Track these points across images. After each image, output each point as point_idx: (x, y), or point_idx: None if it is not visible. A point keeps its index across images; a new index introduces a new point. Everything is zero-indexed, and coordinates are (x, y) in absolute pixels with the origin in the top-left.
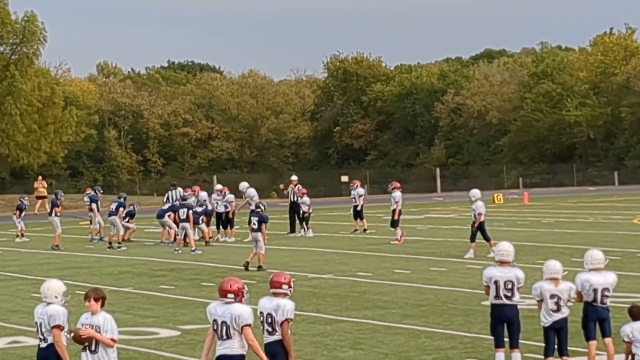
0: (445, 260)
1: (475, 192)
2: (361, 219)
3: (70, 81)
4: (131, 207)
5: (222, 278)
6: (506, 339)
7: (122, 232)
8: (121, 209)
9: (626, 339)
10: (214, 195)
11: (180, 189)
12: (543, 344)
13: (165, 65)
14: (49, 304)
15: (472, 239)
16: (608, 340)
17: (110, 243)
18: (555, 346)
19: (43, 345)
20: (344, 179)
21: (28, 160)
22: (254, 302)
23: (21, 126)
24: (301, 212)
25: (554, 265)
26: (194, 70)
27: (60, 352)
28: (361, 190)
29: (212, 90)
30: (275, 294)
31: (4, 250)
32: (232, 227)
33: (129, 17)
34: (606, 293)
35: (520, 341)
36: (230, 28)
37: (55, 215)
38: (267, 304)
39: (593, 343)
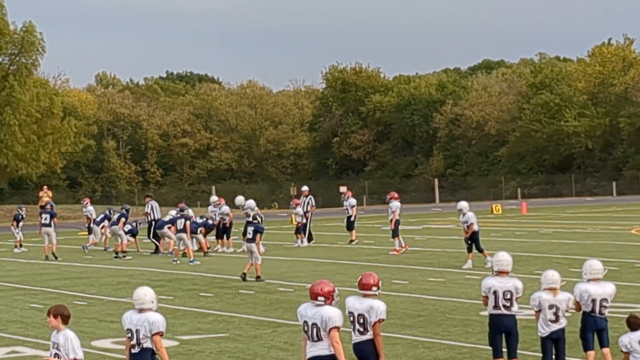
0: (443, 270)
1: (465, 204)
2: (350, 230)
3: (68, 92)
4: (134, 224)
5: (220, 288)
6: (504, 349)
7: (125, 241)
8: (123, 219)
9: (624, 350)
10: (210, 207)
11: (154, 202)
12: (541, 355)
13: (164, 75)
14: (142, 310)
15: (469, 249)
16: (606, 350)
17: (116, 253)
18: (553, 356)
19: (136, 350)
20: (343, 189)
21: (27, 170)
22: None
23: (20, 137)
24: (295, 222)
25: (552, 276)
26: (193, 80)
27: (163, 357)
28: (353, 201)
29: (210, 100)
30: (365, 295)
31: (2, 261)
32: (228, 237)
33: (127, 27)
34: (605, 303)
35: (518, 351)
36: (228, 39)
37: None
38: (357, 304)
39: (591, 353)
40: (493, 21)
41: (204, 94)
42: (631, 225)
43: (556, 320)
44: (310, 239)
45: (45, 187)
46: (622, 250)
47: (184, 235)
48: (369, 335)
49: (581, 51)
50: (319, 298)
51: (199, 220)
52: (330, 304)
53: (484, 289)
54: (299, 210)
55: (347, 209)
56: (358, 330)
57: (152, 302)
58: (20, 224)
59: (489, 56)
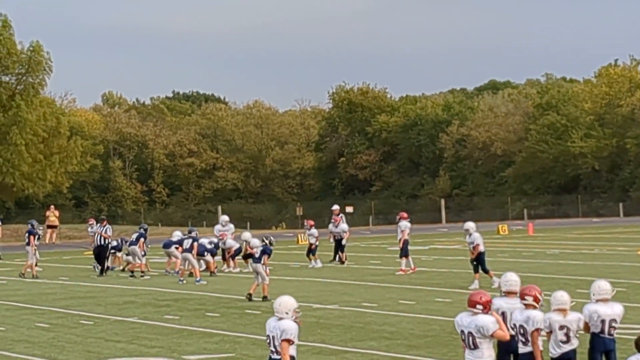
0: (450, 291)
1: (472, 225)
2: (336, 251)
3: (75, 111)
4: (119, 240)
5: (227, 308)
6: None
7: (143, 261)
8: (142, 239)
9: None
10: (217, 227)
11: (109, 226)
12: None
13: (170, 95)
14: (280, 318)
15: (476, 270)
16: None
17: (132, 272)
18: None
19: (275, 357)
20: (349, 209)
21: (33, 190)
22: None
23: (26, 156)
24: (309, 243)
25: (562, 296)
26: (199, 100)
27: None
28: (345, 226)
29: (217, 120)
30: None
31: (8, 280)
32: (234, 258)
33: (134, 47)
34: (614, 324)
35: None
36: (235, 59)
37: (27, 244)
38: (518, 315)
39: None
40: (499, 42)
41: (210, 113)
42: (638, 247)
43: (567, 341)
44: (334, 258)
45: (52, 206)
46: (629, 271)
47: (189, 255)
48: (529, 347)
49: (588, 72)
50: (477, 306)
51: (208, 246)
52: (487, 313)
53: (492, 310)
54: (314, 231)
55: (339, 233)
56: (521, 341)
57: (287, 312)
58: (37, 242)
59: (495, 77)
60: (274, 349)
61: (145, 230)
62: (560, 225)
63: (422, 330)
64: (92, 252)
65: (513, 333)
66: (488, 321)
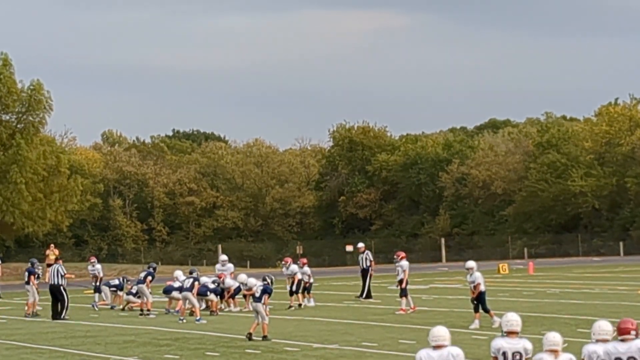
0: (450, 330)
1: (473, 264)
2: (296, 293)
3: (75, 150)
4: (121, 279)
5: (227, 348)
6: None
7: (151, 299)
8: (149, 277)
9: None
10: (217, 266)
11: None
12: None
13: (171, 134)
14: (440, 346)
15: (476, 309)
16: None
17: (141, 310)
18: None
19: None
20: (349, 248)
21: (33, 228)
22: None
23: (26, 194)
24: (302, 282)
25: (554, 337)
26: (199, 139)
27: None
28: (294, 267)
29: (217, 159)
30: (625, 340)
31: (8, 319)
32: (233, 297)
33: (134, 86)
34: None
35: None
36: (235, 97)
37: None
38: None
39: None
40: (499, 80)
41: (210, 152)
42: (639, 286)
43: None
44: (368, 296)
45: (52, 245)
46: (630, 310)
47: (189, 294)
48: None
49: (588, 111)
50: (632, 332)
51: (211, 285)
52: (636, 337)
53: (493, 350)
54: (306, 269)
55: (307, 275)
56: None
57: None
58: (37, 281)
59: (495, 115)
60: None
61: (154, 269)
62: (561, 264)
63: None
64: (92, 291)
65: None
66: None
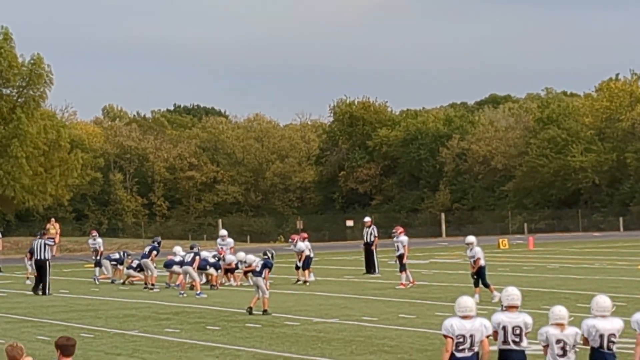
0: (450, 305)
1: (473, 239)
2: (303, 269)
3: (76, 124)
4: (121, 253)
5: (227, 322)
6: None
7: (155, 274)
8: (154, 252)
9: None
10: (218, 240)
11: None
12: None
13: (171, 108)
14: (467, 317)
15: (476, 284)
16: None
17: (145, 284)
18: None
19: (468, 354)
20: (349, 223)
21: (33, 202)
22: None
23: (27, 169)
24: (310, 259)
25: (560, 311)
26: (200, 114)
27: (485, 356)
28: (302, 245)
29: (217, 134)
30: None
31: (9, 293)
32: (232, 271)
33: (134, 60)
34: (612, 339)
35: None
36: (236, 72)
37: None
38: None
39: None
40: (500, 56)
41: (210, 127)
42: (639, 261)
43: (564, 354)
44: (371, 271)
45: (52, 219)
46: (629, 285)
47: (189, 268)
48: None
49: (588, 86)
50: None
51: (212, 259)
52: None
53: (493, 324)
54: (307, 244)
55: (308, 250)
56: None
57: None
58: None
59: (495, 91)
60: (469, 346)
61: (159, 243)
62: (561, 240)
63: (422, 344)
64: (93, 265)
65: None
66: None
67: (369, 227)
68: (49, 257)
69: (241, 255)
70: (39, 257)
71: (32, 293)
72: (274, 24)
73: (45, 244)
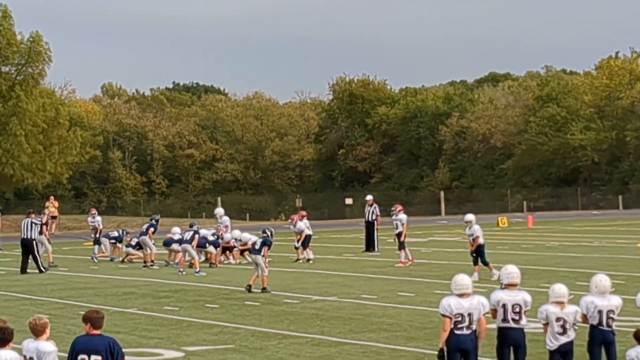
0: (449, 283)
1: (472, 217)
2: (304, 248)
3: (75, 102)
4: (120, 232)
5: (226, 300)
6: None
7: (154, 250)
8: (152, 229)
9: None
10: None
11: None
12: None
13: (170, 86)
14: (464, 295)
15: (475, 262)
16: None
17: (145, 262)
18: None
19: (465, 332)
20: (348, 201)
21: (32, 180)
22: (270, 322)
23: (26, 147)
24: (310, 237)
25: (560, 289)
26: (199, 91)
27: (483, 333)
28: (301, 224)
29: (216, 112)
30: None
31: (7, 271)
32: (231, 250)
33: (133, 38)
34: (611, 315)
35: None
36: (235, 50)
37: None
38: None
39: None
40: (499, 34)
41: (210, 105)
42: (638, 239)
43: (564, 332)
44: (373, 248)
45: (51, 197)
46: (628, 264)
47: (188, 246)
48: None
49: (588, 64)
50: None
51: (211, 237)
52: None
53: (492, 302)
54: (306, 222)
55: (307, 227)
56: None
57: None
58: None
59: (495, 69)
60: (467, 324)
61: (157, 221)
62: (560, 218)
63: (421, 322)
64: (91, 243)
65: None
66: None
67: (371, 205)
68: (36, 237)
69: (236, 233)
70: (25, 237)
71: (30, 270)
72: (274, 0)
73: (32, 223)
